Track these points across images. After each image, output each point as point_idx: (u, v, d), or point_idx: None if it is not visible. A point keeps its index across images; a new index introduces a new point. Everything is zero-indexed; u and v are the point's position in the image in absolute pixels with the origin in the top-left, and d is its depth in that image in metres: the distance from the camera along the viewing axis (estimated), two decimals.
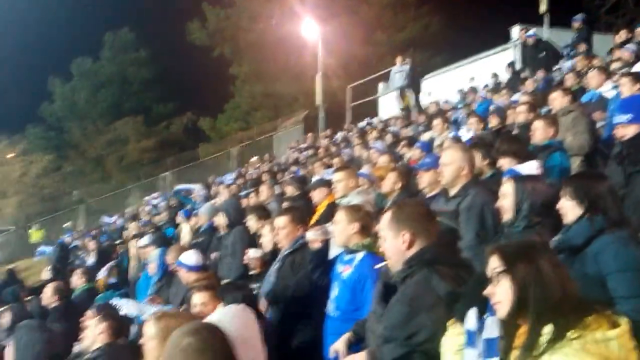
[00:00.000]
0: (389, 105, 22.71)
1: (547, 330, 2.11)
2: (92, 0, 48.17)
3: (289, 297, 5.00)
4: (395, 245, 3.00)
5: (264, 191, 10.16)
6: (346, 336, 3.83)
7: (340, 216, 4.44)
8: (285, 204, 7.60)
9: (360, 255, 4.31)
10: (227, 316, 2.60)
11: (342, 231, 4.43)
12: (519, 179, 4.05)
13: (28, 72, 46.26)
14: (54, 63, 43.52)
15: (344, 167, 7.21)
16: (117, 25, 43.30)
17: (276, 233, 5.44)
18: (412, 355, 2.81)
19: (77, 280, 9.15)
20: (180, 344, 2.17)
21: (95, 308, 4.85)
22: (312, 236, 5.00)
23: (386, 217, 3.10)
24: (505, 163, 5.32)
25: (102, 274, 10.20)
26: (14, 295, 9.38)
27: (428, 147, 9.39)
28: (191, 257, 6.16)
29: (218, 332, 2.27)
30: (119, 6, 46.75)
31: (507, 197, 3.93)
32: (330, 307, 4.42)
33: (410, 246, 2.96)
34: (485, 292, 2.33)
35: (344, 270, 4.42)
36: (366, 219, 4.40)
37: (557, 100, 7.05)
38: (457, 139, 8.44)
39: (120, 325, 4.41)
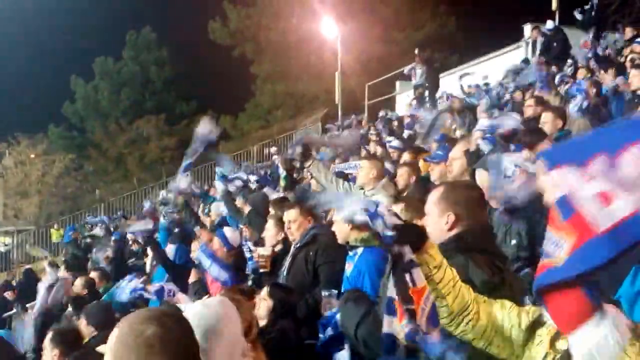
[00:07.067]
0: (405, 102, 22.98)
1: None
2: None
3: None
4: (438, 224, 2.93)
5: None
6: None
7: None
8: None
9: (359, 251, 4.30)
10: (199, 308, 2.60)
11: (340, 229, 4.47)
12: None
13: (50, 71, 46.65)
14: (76, 62, 43.79)
15: (370, 157, 7.22)
16: (138, 24, 43.48)
17: (288, 227, 5.41)
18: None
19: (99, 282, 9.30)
20: (143, 332, 1.83)
21: None
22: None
23: (436, 194, 3.04)
24: None
25: None
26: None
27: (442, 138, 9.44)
28: (232, 235, 6.23)
29: (184, 322, 1.97)
30: (140, 5, 47.02)
31: None
32: None
33: (452, 228, 2.90)
34: None
35: (347, 268, 4.43)
36: None
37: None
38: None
39: None
